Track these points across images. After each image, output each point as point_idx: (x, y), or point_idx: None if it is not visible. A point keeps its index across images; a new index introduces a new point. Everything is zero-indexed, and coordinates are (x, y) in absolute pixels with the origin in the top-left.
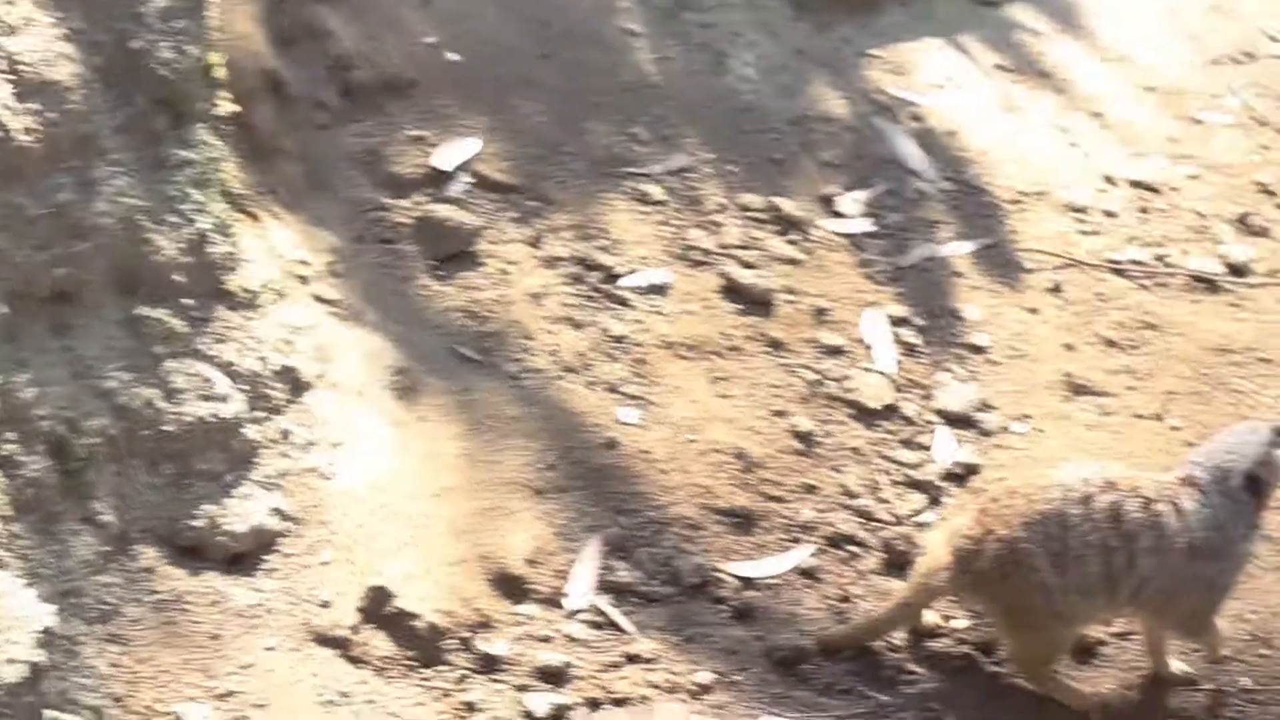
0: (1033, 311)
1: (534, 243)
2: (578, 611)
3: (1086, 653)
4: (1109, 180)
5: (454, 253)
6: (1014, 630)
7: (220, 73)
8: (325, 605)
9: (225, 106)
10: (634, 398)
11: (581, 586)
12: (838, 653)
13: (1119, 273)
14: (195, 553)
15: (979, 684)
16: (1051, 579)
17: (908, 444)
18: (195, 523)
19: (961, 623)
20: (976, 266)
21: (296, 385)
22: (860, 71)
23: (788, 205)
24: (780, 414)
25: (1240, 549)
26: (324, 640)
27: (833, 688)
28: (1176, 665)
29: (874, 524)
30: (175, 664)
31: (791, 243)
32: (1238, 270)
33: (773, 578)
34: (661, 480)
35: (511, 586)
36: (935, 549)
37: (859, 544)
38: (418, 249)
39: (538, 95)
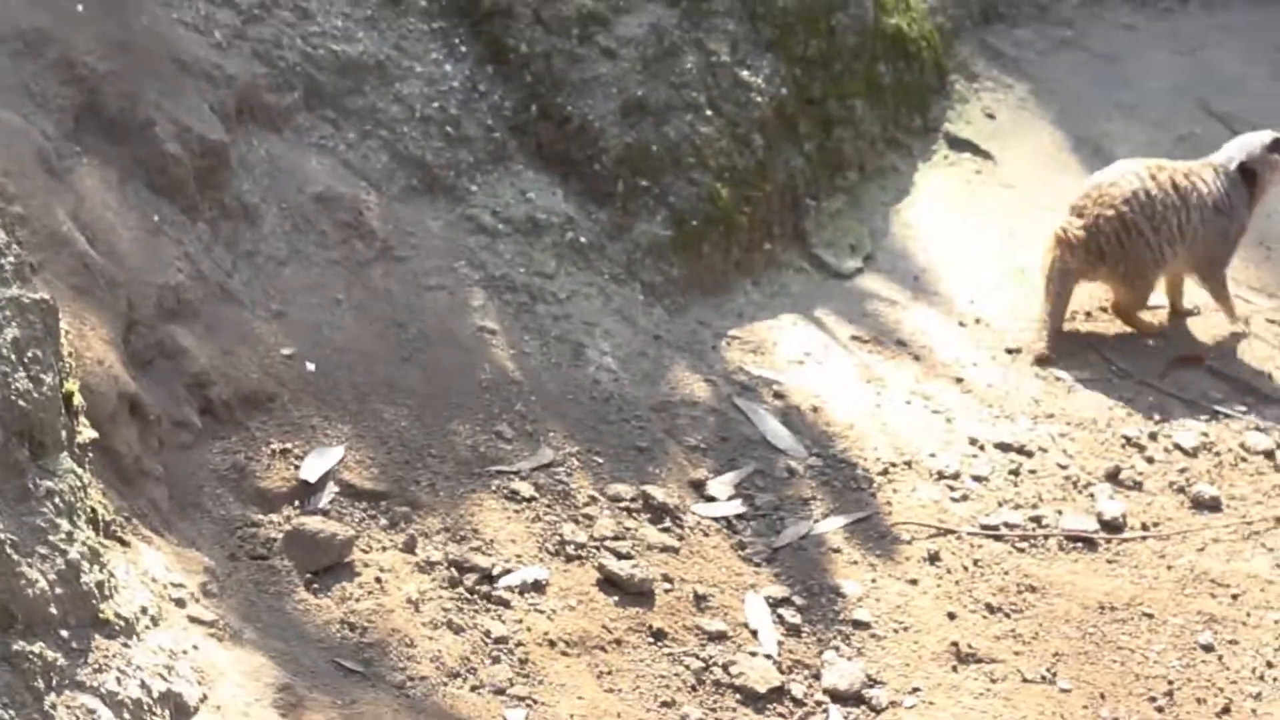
0: (912, 582)
1: (408, 548)
2: None
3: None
4: (976, 444)
5: (328, 564)
6: (1129, 283)
7: (79, 400)
8: None
9: (86, 433)
10: (520, 699)
11: None
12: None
13: (995, 537)
14: None
15: None
16: (1150, 235)
17: None
18: None
19: None
20: (852, 541)
21: (180, 710)
22: (719, 353)
23: (658, 493)
24: (669, 704)
25: (1240, 215)
26: None
27: None
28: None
29: None
30: None
31: (665, 530)
32: (1112, 526)
33: None
34: None
35: None
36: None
37: None
38: (291, 563)
39: (399, 399)
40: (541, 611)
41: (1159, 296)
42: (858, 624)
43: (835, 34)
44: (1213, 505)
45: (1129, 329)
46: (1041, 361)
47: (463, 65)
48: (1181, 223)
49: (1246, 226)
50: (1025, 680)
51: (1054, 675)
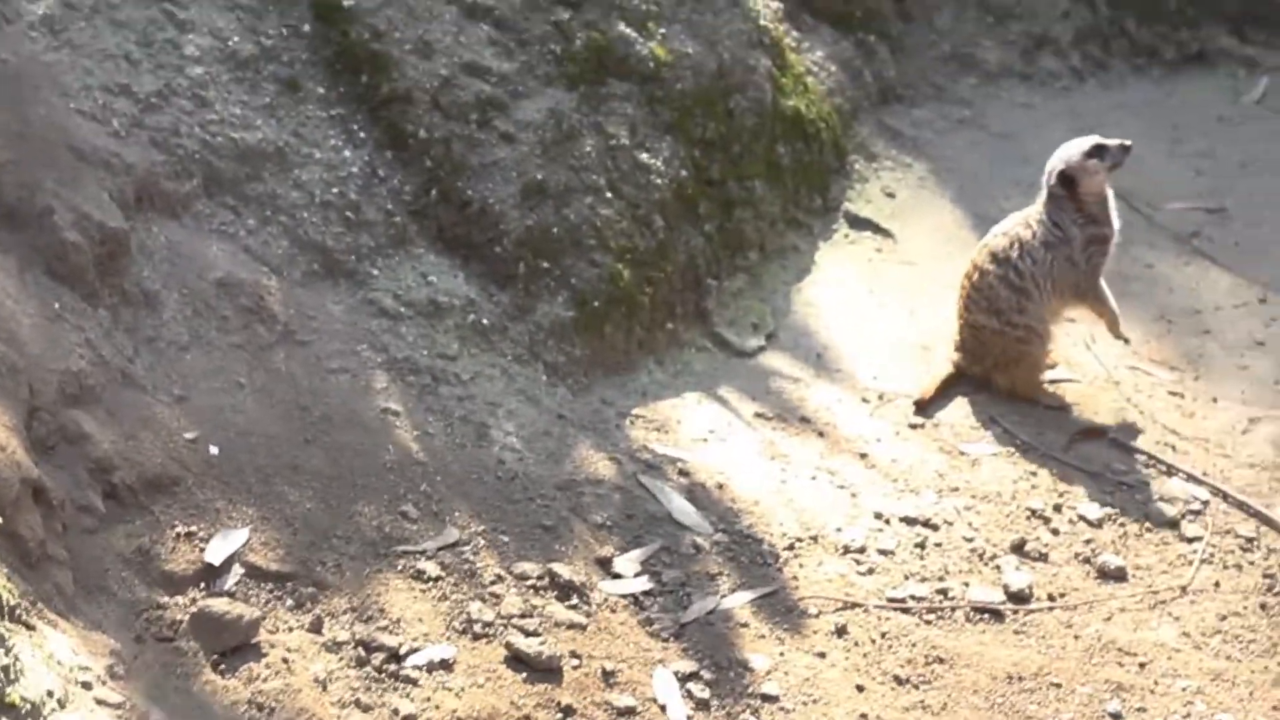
0: (820, 656)
1: (314, 628)
2: None
3: None
4: (881, 519)
5: (235, 645)
6: (1012, 368)
7: None
8: None
9: None
10: None
11: None
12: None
13: (902, 610)
14: None
15: None
16: (996, 324)
17: None
18: None
19: None
20: (759, 615)
21: None
22: (623, 431)
23: (565, 571)
24: None
25: (1073, 233)
26: None
27: None
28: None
29: None
30: None
31: (572, 607)
32: (1019, 597)
33: None
34: None
35: None
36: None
37: None
38: (198, 644)
39: (304, 481)
40: (450, 689)
41: (1065, 370)
42: (766, 698)
43: (734, 116)
44: (1118, 575)
45: (1033, 402)
46: (917, 405)
47: (362, 151)
48: (1015, 284)
49: (1105, 234)
50: None
51: None
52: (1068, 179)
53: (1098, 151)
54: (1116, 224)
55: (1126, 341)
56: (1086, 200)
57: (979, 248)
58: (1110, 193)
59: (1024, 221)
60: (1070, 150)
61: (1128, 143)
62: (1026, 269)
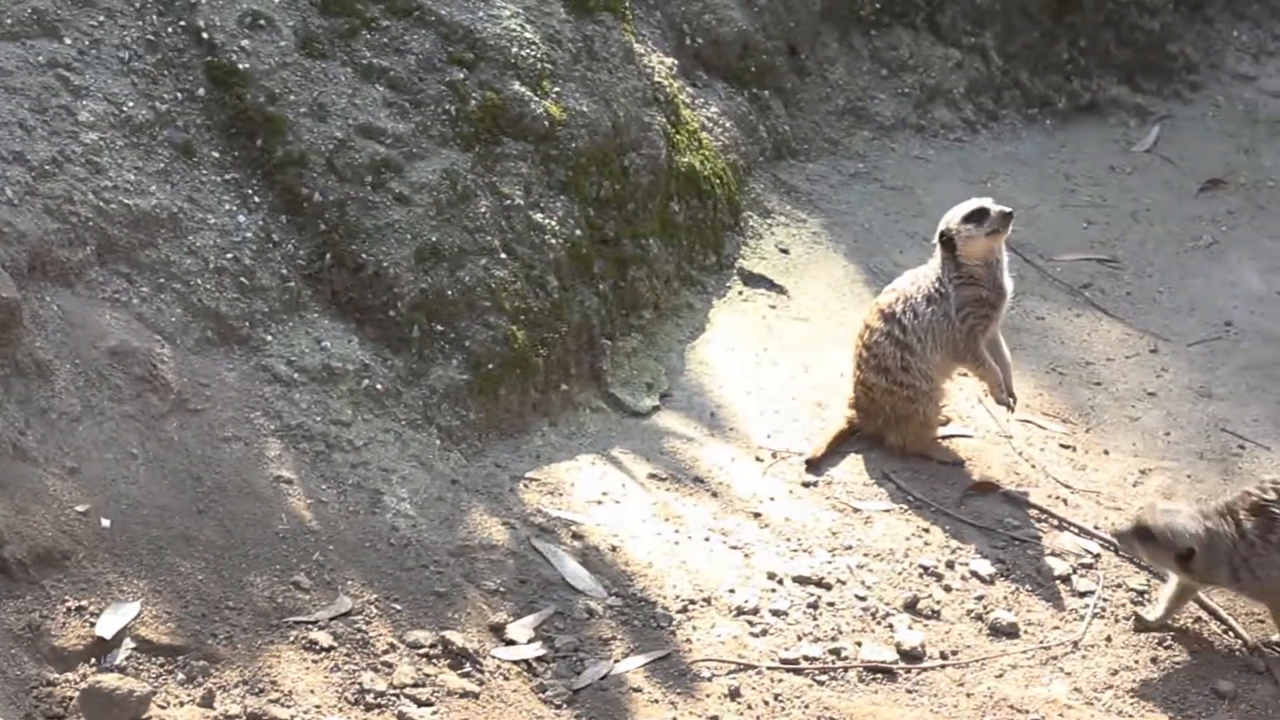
0: (714, 719)
1: (206, 702)
2: None
3: None
4: (774, 579)
5: None
6: (903, 426)
7: None
8: None
9: None
10: None
11: None
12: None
13: (795, 671)
14: None
15: None
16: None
17: None
18: None
19: None
20: (652, 680)
21: None
22: (517, 495)
23: (458, 638)
24: None
25: (951, 293)
26: None
27: None
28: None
29: None
30: None
31: (465, 675)
32: (911, 656)
33: None
34: None
35: None
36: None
37: None
38: None
39: (195, 552)
40: None
41: (957, 425)
42: None
43: (628, 174)
44: (1010, 632)
45: (925, 458)
46: (809, 464)
47: (256, 215)
48: (900, 339)
49: (983, 296)
50: None
51: None
52: (947, 239)
53: (976, 216)
54: (1009, 285)
55: (1010, 408)
56: (965, 262)
57: (871, 306)
58: (1001, 256)
59: (914, 278)
60: (954, 211)
61: (1008, 210)
62: (910, 324)
